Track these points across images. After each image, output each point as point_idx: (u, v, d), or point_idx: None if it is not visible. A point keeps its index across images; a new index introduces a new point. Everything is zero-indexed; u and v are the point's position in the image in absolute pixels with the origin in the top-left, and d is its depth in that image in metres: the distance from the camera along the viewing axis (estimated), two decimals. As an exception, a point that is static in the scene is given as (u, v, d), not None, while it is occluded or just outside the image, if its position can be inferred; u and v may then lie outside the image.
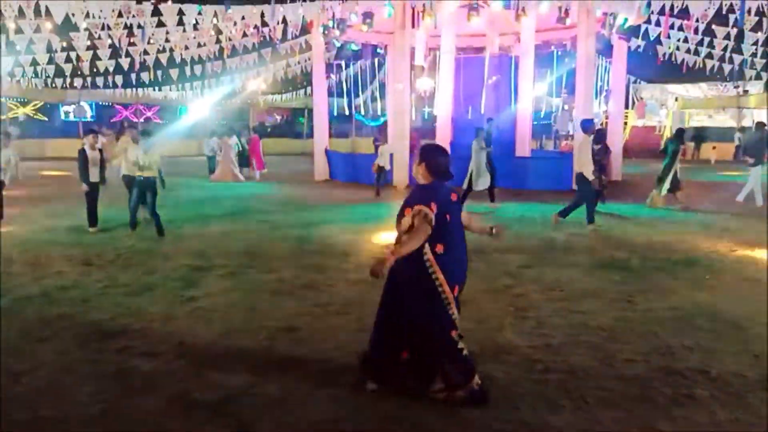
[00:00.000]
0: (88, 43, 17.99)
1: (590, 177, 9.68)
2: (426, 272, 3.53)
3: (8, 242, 8.41)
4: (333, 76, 27.01)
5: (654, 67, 24.22)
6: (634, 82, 32.11)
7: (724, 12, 14.77)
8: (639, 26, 18.58)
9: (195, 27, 17.62)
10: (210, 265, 7.27)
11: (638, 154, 29.06)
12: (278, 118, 44.13)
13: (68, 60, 19.65)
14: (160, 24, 16.50)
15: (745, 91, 30.92)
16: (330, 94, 24.74)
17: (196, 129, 31.94)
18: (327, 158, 18.90)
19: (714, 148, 28.60)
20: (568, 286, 6.36)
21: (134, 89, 27.89)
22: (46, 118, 35.41)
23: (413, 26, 16.82)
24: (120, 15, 15.05)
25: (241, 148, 18.82)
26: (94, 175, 9.32)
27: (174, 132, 28.62)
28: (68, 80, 22.89)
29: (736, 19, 15.24)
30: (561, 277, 6.71)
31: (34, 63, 20.33)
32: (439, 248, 3.51)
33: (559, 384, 3.94)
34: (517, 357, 4.42)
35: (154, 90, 28.90)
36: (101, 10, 14.69)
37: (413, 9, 16.26)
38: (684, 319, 5.25)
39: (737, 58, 20.77)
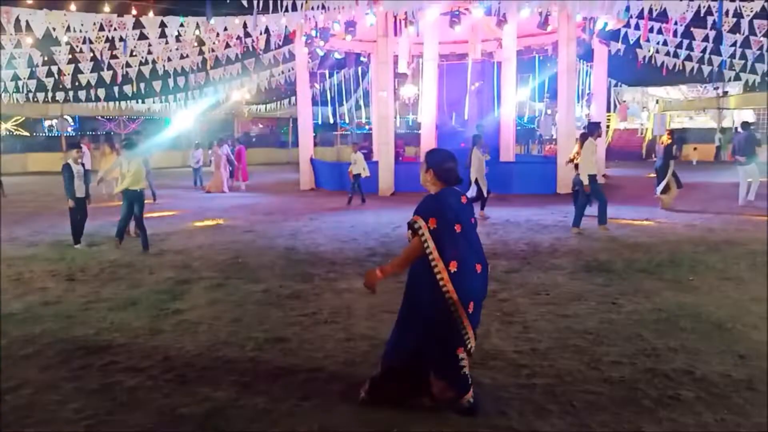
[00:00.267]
0: (70, 56, 17.87)
1: (585, 180, 9.71)
2: (440, 291, 3.39)
3: (-10, 259, 8.32)
4: (317, 85, 27.05)
5: (634, 70, 24.51)
6: (615, 85, 32.46)
7: (702, 14, 14.95)
8: (619, 30, 18.80)
9: (177, 39, 17.57)
10: (195, 278, 7.24)
11: (621, 156, 29.39)
12: (263, 127, 44.09)
13: (50, 74, 19.52)
14: (142, 36, 16.43)
15: (725, 93, 31.36)
16: (314, 102, 24.73)
17: (180, 140, 31.84)
18: (312, 167, 18.90)
19: (695, 149, 28.93)
20: (553, 289, 6.40)
21: (117, 102, 27.77)
22: (28, 133, 35.15)
23: (396, 34, 16.91)
24: (101, 28, 14.96)
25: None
26: (80, 191, 9.23)
27: (158, 144, 28.49)
28: (50, 94, 22.75)
29: (714, 21, 15.44)
30: (547, 281, 6.75)
31: (15, 78, 20.19)
32: (453, 266, 3.36)
33: (546, 389, 3.95)
34: (504, 362, 4.44)
35: (137, 102, 28.79)
36: (82, 24, 14.59)
37: (395, 17, 16.35)
38: (668, 321, 5.29)
39: (716, 60, 21.03)
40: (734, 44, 18.87)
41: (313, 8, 15.43)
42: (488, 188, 11.91)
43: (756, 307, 5.63)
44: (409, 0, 15.15)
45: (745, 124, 13.69)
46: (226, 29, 16.98)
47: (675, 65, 21.94)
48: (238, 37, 18.04)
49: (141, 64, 19.04)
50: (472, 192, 11.60)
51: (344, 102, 30.82)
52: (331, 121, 34.08)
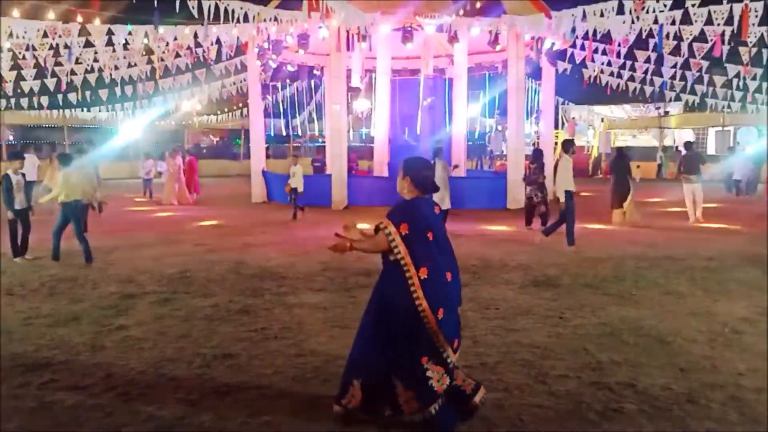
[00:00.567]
0: (12, 63, 17.28)
1: (561, 197, 9.94)
2: (410, 297, 3.41)
3: None
4: (269, 97, 26.90)
5: (581, 89, 25.26)
6: (563, 103, 33.32)
7: (644, 37, 15.53)
8: (565, 50, 19.37)
9: (125, 47, 17.20)
10: (141, 292, 7.06)
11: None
12: (214, 139, 43.47)
13: (-11, 81, 18.82)
14: (88, 44, 16.03)
15: (666, 112, 32.57)
16: (267, 114, 24.59)
17: (128, 151, 31.08)
18: (264, 179, 18.72)
19: (638, 166, 29.86)
20: (503, 304, 6.49)
21: (61, 110, 26.92)
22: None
23: (348, 49, 17.00)
24: (45, 35, 14.52)
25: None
26: (20, 202, 8.90)
27: (104, 154, 27.73)
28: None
29: (655, 43, 16.07)
30: (496, 295, 6.84)
31: (-49, 84, 19.39)
32: (423, 272, 3.41)
33: (494, 403, 3.99)
34: (454, 377, 4.46)
35: (82, 111, 27.97)
36: (25, 30, 14.14)
37: (348, 32, 16.43)
38: (612, 335, 5.43)
39: (657, 81, 21.89)
40: (675, 66, 19.69)
41: (265, 20, 15.35)
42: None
43: (695, 321, 5.84)
44: (361, 15, 15.24)
45: (689, 144, 14.26)
46: (176, 39, 16.72)
47: (619, 85, 22.73)
48: (189, 47, 17.78)
49: (87, 71, 18.57)
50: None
51: (297, 114, 30.72)
52: (284, 133, 33.92)
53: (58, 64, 17.66)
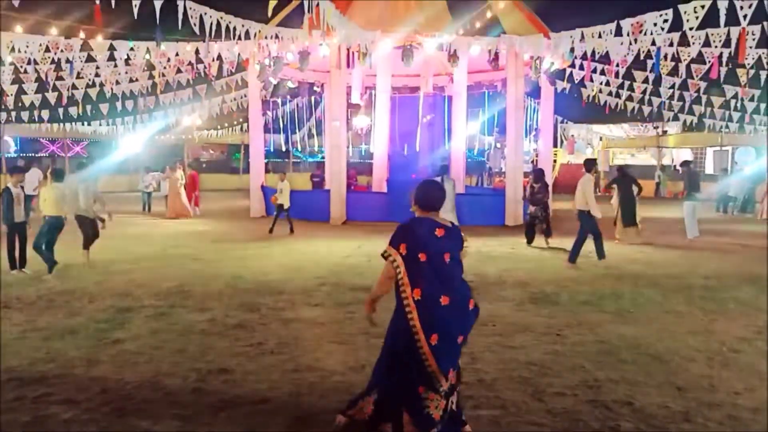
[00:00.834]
0: (13, 76, 17.36)
1: (597, 215, 10.01)
2: (406, 317, 3.38)
3: None
4: (270, 113, 27.00)
5: (579, 108, 25.36)
6: (562, 122, 33.46)
7: (642, 57, 15.64)
8: (564, 70, 19.50)
9: (127, 62, 17.30)
10: (138, 306, 7.04)
11: (567, 190, 30.12)
12: (214, 153, 43.58)
13: (-10, 94, 18.89)
14: (90, 59, 16.12)
15: (664, 132, 32.73)
16: (267, 130, 24.66)
17: (128, 164, 31.15)
18: (263, 194, 18.74)
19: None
20: (500, 320, 6.48)
21: (62, 124, 26.99)
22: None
23: (349, 66, 17.10)
24: (47, 50, 14.60)
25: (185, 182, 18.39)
26: (18, 215, 8.91)
27: (104, 167, 27.77)
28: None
29: (653, 64, 16.18)
30: (494, 311, 6.83)
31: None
32: (416, 293, 3.37)
33: (491, 420, 3.98)
34: (451, 393, 4.44)
35: (82, 124, 28.05)
36: (27, 45, 14.23)
37: (348, 49, 16.55)
38: (610, 353, 5.42)
39: (656, 101, 22.01)
40: (673, 86, 19.82)
41: (266, 38, 15.47)
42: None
43: (693, 339, 5.83)
44: (362, 33, 15.36)
45: (686, 163, 14.33)
46: (177, 54, 16.82)
47: (617, 105, 22.85)
48: (190, 63, 17.89)
49: (88, 86, 18.63)
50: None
51: (297, 130, 30.82)
52: (284, 148, 34.00)
53: (59, 78, 17.76)
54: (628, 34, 13.95)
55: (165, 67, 18.50)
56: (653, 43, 14.55)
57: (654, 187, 30.04)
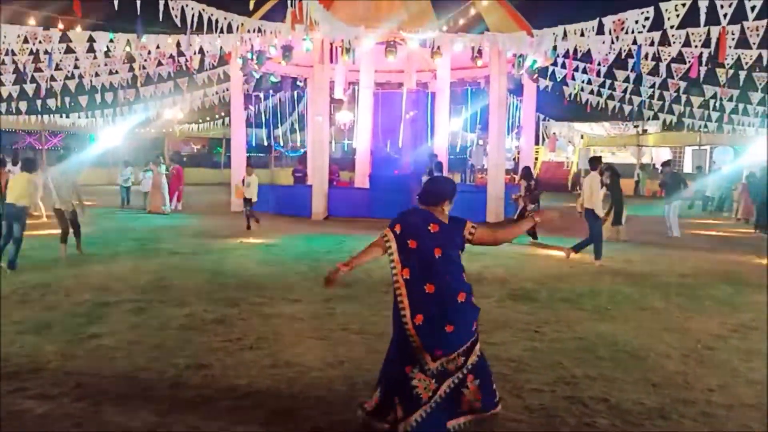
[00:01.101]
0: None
1: (601, 214, 10.07)
2: (395, 294, 3.54)
3: None
4: (252, 107, 26.83)
5: (561, 106, 25.57)
6: (544, 119, 33.70)
7: (623, 57, 15.78)
8: (547, 68, 19.62)
9: (106, 54, 17.07)
10: (116, 300, 6.96)
11: (548, 187, 30.40)
12: (195, 147, 43.22)
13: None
14: (69, 50, 15.88)
15: (644, 131, 33.11)
16: (249, 124, 24.49)
17: (106, 157, 30.79)
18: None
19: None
20: (480, 317, 6.42)
21: (39, 116, 26.60)
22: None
23: (332, 61, 17.04)
24: (26, 41, 14.36)
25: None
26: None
27: (82, 160, 27.42)
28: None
29: (634, 63, 16.33)
30: (474, 308, 6.83)
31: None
32: (405, 272, 3.52)
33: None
34: (430, 389, 4.45)
35: (61, 117, 27.65)
36: (5, 35, 13.98)
37: (332, 44, 16.49)
38: (587, 350, 5.46)
39: (636, 100, 22.25)
40: (653, 86, 20.03)
41: (249, 31, 15.35)
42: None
43: (669, 337, 5.90)
44: (345, 28, 15.30)
45: (667, 163, 14.50)
46: (158, 47, 16.63)
47: (598, 103, 23.06)
48: (171, 56, 17.70)
49: (67, 78, 18.38)
50: None
51: (279, 125, 30.65)
52: (266, 143, 33.82)
53: (37, 69, 17.49)
54: (610, 32, 14.07)
55: (145, 60, 18.29)
56: (634, 42, 14.70)
57: (633, 186, 30.36)
